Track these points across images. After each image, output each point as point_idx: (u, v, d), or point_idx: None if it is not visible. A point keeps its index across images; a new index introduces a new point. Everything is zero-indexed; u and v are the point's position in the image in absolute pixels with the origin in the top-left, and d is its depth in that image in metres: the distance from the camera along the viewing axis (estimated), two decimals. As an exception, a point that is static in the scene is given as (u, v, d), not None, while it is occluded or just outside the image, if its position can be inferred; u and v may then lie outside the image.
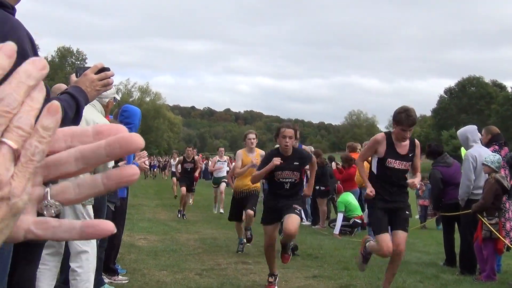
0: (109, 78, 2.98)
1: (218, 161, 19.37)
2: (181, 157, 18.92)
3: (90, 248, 5.55)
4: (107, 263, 7.40)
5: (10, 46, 0.57)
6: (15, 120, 0.55)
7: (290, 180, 7.46)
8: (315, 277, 8.21)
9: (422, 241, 13.51)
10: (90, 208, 5.51)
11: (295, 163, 7.46)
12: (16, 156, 0.55)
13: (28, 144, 0.56)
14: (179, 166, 18.92)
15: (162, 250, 10.12)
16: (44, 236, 0.60)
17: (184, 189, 17.16)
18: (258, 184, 10.43)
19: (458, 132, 9.50)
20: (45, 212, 0.60)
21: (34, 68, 0.57)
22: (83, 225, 0.61)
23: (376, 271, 8.54)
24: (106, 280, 7.33)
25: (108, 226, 0.61)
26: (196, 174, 18.81)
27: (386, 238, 6.80)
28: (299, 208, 7.44)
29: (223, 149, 20.73)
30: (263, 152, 9.97)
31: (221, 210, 18.40)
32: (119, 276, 7.77)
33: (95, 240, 5.65)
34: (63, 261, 5.82)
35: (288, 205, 7.32)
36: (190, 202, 20.32)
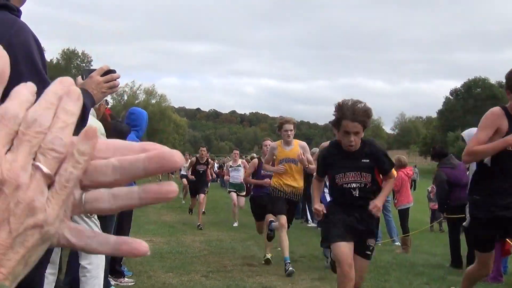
0: (115, 80, 2.98)
1: (231, 166, 16.71)
2: (194, 158, 16.66)
3: None
4: (113, 265, 7.42)
5: (33, 87, 0.59)
6: (49, 141, 0.54)
7: (359, 185, 5.58)
8: (321, 279, 8.20)
9: (428, 242, 13.50)
10: None
11: (363, 160, 5.56)
12: (50, 180, 0.54)
13: (63, 170, 0.55)
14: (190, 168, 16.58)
15: (168, 252, 10.13)
16: (78, 244, 0.59)
17: (195, 200, 16.38)
18: (301, 184, 9.26)
19: (464, 133, 9.46)
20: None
21: (63, 88, 0.57)
22: (118, 241, 0.60)
23: (382, 273, 8.52)
24: (113, 282, 7.35)
25: (142, 246, 0.59)
26: (208, 174, 16.62)
27: None
28: (373, 245, 5.76)
29: (237, 151, 17.38)
30: (304, 144, 9.22)
31: (236, 224, 15.87)
32: (125, 278, 7.78)
33: None
34: (68, 263, 5.85)
35: (361, 232, 5.56)
36: (202, 210, 16.86)
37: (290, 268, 8.47)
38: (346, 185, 5.55)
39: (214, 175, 28.29)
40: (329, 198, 7.43)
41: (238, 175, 16.00)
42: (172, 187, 0.58)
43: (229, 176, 16.68)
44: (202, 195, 15.76)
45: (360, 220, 5.54)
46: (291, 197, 9.04)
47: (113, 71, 2.99)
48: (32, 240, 0.54)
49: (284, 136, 8.89)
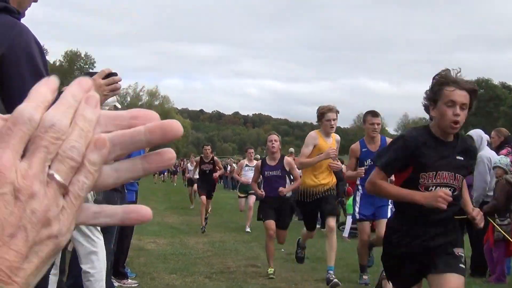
0: (117, 83, 2.98)
1: (247, 165, 14.84)
2: (198, 158, 16.18)
3: (99, 249, 5.60)
4: (116, 266, 7.42)
5: (54, 81, 0.57)
6: (68, 148, 0.54)
7: (452, 190, 4.00)
8: (325, 280, 8.19)
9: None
10: None
11: (458, 157, 4.04)
12: (65, 191, 0.54)
13: (76, 180, 0.54)
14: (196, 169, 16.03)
15: (171, 254, 10.13)
16: (87, 221, 0.59)
17: (204, 198, 14.62)
18: (335, 180, 8.26)
19: (472, 132, 9.44)
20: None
21: (81, 90, 0.56)
22: (126, 210, 0.60)
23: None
24: (116, 284, 7.35)
25: (147, 211, 0.60)
26: (216, 174, 15.58)
27: None
28: (462, 253, 4.17)
29: (252, 150, 16.16)
30: (339, 138, 8.39)
31: (248, 229, 14.48)
32: (129, 280, 7.78)
33: (103, 240, 5.70)
34: (69, 267, 5.87)
35: (445, 248, 4.06)
36: (209, 211, 16.06)
37: (335, 280, 7.53)
38: (436, 189, 3.93)
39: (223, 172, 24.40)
40: (389, 210, 6.85)
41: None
42: (172, 154, 0.59)
43: (241, 176, 15.04)
44: (209, 201, 15.15)
45: (440, 234, 4.07)
46: (324, 194, 7.90)
47: (115, 74, 2.99)
48: (46, 250, 0.54)
49: (327, 126, 7.87)
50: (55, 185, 0.53)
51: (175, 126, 0.57)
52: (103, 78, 2.92)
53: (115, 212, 0.60)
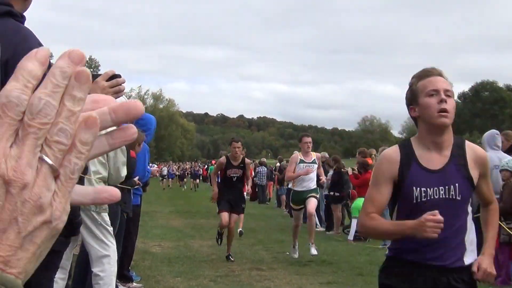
0: (121, 85, 2.98)
1: (302, 161, 10.40)
2: (223, 158, 10.74)
3: (111, 253, 5.64)
4: (121, 270, 7.42)
5: (44, 52, 0.55)
6: (54, 133, 0.53)
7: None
8: (330, 283, 8.19)
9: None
10: (106, 215, 5.59)
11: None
12: (56, 173, 0.53)
13: (67, 161, 0.54)
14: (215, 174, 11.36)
15: (176, 257, 10.13)
16: None
17: (225, 215, 10.27)
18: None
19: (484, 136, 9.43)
20: None
21: (71, 64, 0.54)
22: (97, 190, 0.61)
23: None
24: (121, 287, 7.35)
25: (116, 191, 0.61)
26: (247, 186, 12.68)
27: None
28: None
29: (309, 139, 10.70)
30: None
31: (314, 252, 10.33)
32: (134, 283, 7.78)
33: (115, 245, 5.74)
34: (75, 269, 5.88)
35: None
36: (240, 228, 13.17)
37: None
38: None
39: (249, 189, 18.98)
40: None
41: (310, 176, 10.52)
42: (134, 129, 0.60)
43: (294, 173, 10.40)
44: (236, 216, 10.64)
45: None
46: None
47: (118, 76, 2.99)
48: (42, 237, 0.53)
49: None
50: (45, 169, 0.53)
51: (138, 104, 0.58)
52: (107, 80, 2.92)
53: (87, 193, 0.60)
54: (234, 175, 10.51)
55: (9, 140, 0.52)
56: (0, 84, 0.59)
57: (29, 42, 2.43)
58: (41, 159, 0.53)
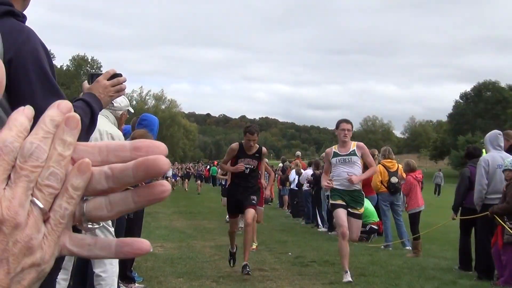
0: (122, 83, 2.99)
1: (336, 154, 8.73)
2: (236, 144, 9.28)
3: None
4: (124, 270, 7.42)
5: (30, 111, 0.57)
6: (45, 176, 0.54)
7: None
8: (332, 283, 8.17)
9: (438, 246, 13.42)
10: None
11: None
12: (46, 217, 0.54)
13: (57, 206, 0.54)
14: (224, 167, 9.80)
15: (179, 258, 10.13)
16: (80, 253, 0.58)
17: (234, 222, 9.58)
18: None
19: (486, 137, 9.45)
20: (82, 228, 0.59)
21: (60, 114, 0.56)
22: (119, 243, 0.59)
23: (393, 277, 8.49)
24: (123, 288, 7.35)
25: (144, 244, 0.59)
26: (267, 191, 11.72)
27: None
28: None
29: (349, 125, 8.88)
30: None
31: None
32: (136, 284, 7.78)
33: None
34: (75, 269, 5.89)
35: None
36: (253, 247, 11.09)
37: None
38: None
39: (269, 194, 18.18)
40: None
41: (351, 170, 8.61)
42: (163, 186, 0.58)
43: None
44: (251, 210, 8.87)
45: None
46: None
47: (119, 75, 3.00)
48: (29, 279, 0.54)
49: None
50: (36, 212, 0.53)
51: (160, 163, 0.56)
52: (108, 79, 2.93)
53: (109, 245, 0.59)
54: (248, 166, 8.93)
55: (3, 182, 0.53)
56: (4, 85, 0.59)
57: (32, 42, 2.44)
58: (32, 202, 0.53)
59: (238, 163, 8.96)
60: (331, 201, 8.68)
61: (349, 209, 8.39)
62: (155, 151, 0.57)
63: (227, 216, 9.93)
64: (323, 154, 13.68)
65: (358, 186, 8.54)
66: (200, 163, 58.45)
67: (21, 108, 0.56)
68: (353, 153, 8.53)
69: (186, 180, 46.18)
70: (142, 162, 0.56)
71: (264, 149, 9.29)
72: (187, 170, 48.77)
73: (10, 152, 0.53)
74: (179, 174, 48.68)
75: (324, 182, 8.66)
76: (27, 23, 2.57)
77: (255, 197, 9.01)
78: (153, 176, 0.57)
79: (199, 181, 41.61)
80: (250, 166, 9.01)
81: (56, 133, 0.55)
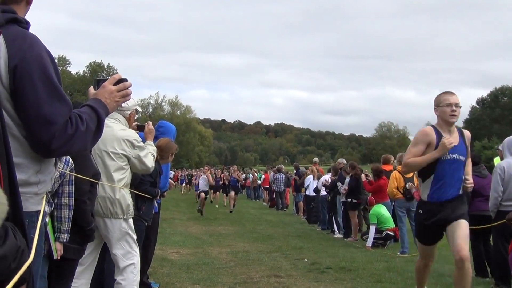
0: (127, 88, 3.00)
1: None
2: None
3: (135, 261, 5.73)
4: (140, 277, 7.45)
5: None
6: None
7: None
8: (348, 290, 8.15)
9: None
10: (131, 220, 5.72)
11: None
12: None
13: None
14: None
15: (195, 264, 10.14)
16: None
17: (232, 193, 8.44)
18: None
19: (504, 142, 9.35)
20: None
21: None
22: None
23: (410, 284, 8.45)
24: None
25: None
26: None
27: None
28: None
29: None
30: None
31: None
32: (152, 290, 7.80)
33: (139, 254, 5.83)
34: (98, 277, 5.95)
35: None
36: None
37: None
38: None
39: None
40: None
41: None
42: None
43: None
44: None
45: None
46: None
47: (125, 80, 3.01)
48: None
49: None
50: None
51: None
52: (114, 85, 2.94)
53: None
54: None
55: None
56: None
57: (37, 48, 2.47)
58: None
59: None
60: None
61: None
62: None
63: None
64: (339, 160, 13.66)
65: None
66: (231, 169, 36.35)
67: None
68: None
69: (187, 185, 44.74)
70: None
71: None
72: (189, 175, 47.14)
73: None
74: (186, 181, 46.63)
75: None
76: (30, 27, 2.61)
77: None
78: None
79: (232, 193, 27.43)
80: None
81: None
